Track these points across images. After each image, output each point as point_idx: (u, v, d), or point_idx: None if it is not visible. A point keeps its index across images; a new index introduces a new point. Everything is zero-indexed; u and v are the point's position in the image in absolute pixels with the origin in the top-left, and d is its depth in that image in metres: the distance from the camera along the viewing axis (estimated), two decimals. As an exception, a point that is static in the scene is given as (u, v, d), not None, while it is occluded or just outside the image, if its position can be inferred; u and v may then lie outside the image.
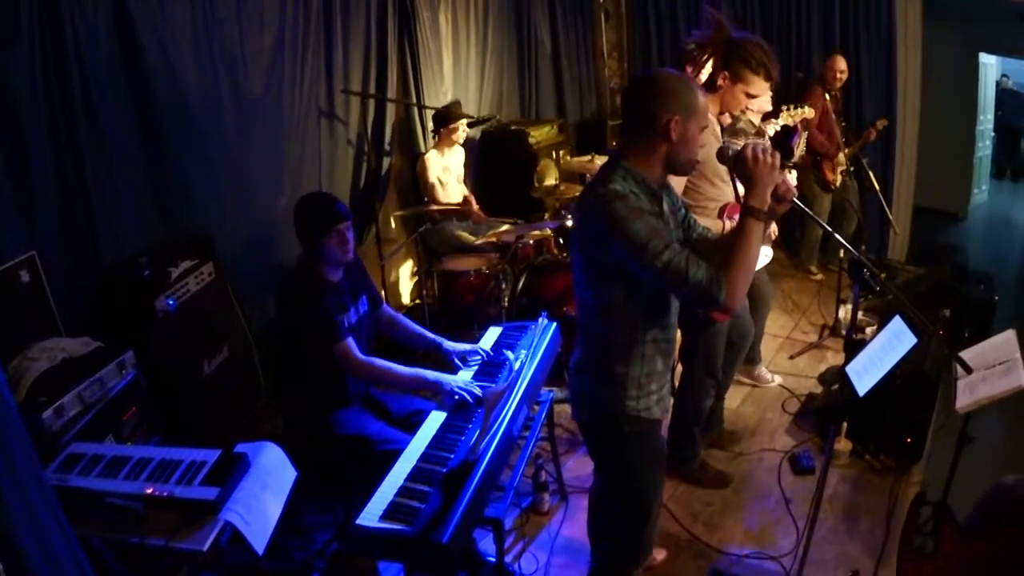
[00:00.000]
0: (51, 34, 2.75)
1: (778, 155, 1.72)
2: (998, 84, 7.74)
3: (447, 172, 4.53)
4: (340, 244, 2.46)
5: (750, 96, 2.58)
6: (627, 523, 2.12)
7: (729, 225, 2.73)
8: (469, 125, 4.62)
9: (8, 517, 1.31)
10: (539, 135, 5.30)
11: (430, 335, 2.79)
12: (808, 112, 3.70)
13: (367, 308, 2.73)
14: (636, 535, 2.14)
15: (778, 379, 3.86)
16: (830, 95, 4.85)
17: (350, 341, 2.44)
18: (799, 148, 4.41)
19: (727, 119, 2.78)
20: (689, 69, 2.63)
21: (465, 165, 4.73)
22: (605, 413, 1.92)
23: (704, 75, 2.66)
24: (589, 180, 1.87)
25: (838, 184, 5.00)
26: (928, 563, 2.06)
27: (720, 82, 2.56)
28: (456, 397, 2.41)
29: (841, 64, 4.82)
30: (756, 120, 2.81)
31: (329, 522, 2.84)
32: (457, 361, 2.69)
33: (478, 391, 2.43)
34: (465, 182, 4.75)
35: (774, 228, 3.25)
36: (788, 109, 3.55)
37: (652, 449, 2.03)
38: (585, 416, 2.01)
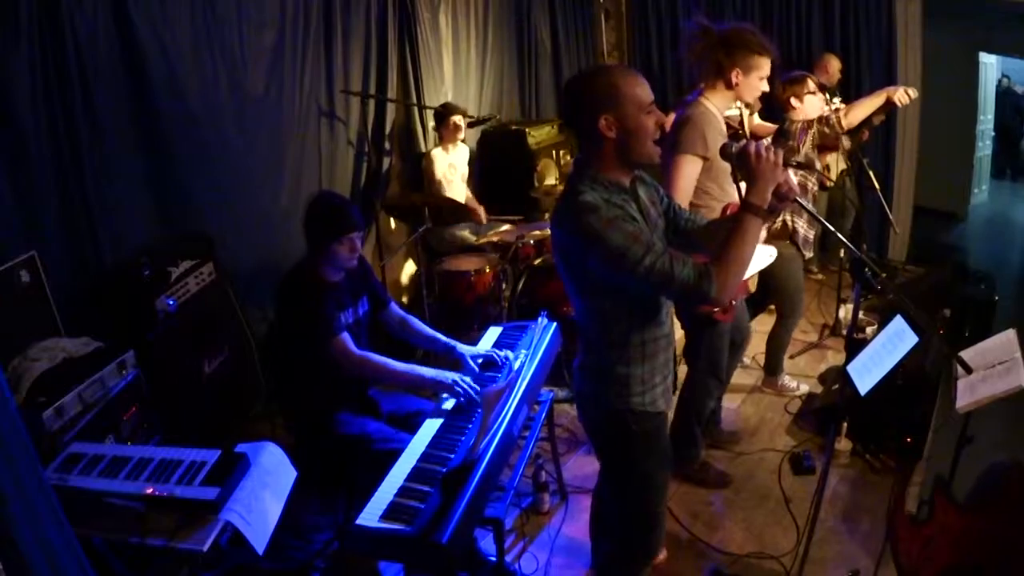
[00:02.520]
0: (51, 34, 2.76)
1: (780, 153, 1.71)
2: (999, 84, 7.73)
3: (452, 169, 4.54)
4: (349, 251, 2.44)
5: (761, 79, 2.63)
6: (635, 523, 2.10)
7: None
8: (469, 125, 4.62)
9: (8, 517, 1.31)
10: (539, 135, 5.30)
11: (443, 338, 2.73)
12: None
13: (367, 309, 2.71)
14: (644, 535, 2.13)
15: (805, 387, 3.79)
16: (828, 94, 4.85)
17: (346, 336, 2.42)
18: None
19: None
20: (701, 84, 2.67)
21: (469, 163, 4.73)
22: (611, 412, 1.91)
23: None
24: (560, 193, 1.85)
25: (834, 182, 4.99)
26: (923, 528, 2.07)
27: (735, 80, 2.59)
28: (458, 389, 2.39)
29: (836, 63, 4.84)
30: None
31: (329, 522, 2.85)
32: (472, 364, 2.64)
33: (475, 388, 2.42)
34: (468, 182, 4.76)
35: (810, 236, 3.28)
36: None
37: (658, 447, 2.02)
38: (591, 416, 2.00)
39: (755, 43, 2.55)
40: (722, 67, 2.58)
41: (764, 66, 2.59)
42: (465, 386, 2.40)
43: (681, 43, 2.70)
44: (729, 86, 2.60)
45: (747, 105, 2.77)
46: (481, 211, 4.62)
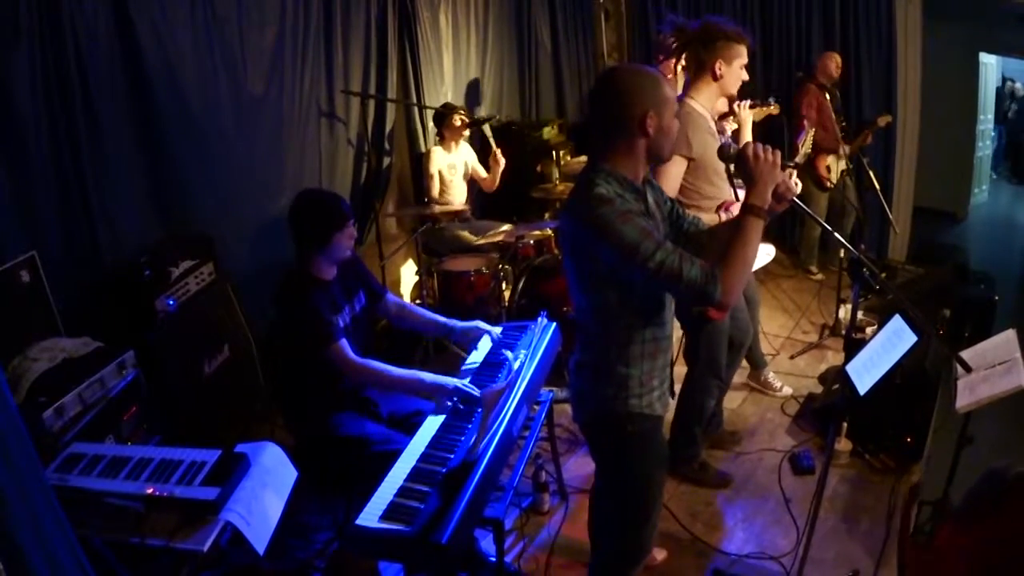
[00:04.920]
0: (51, 34, 2.75)
1: (779, 153, 1.72)
2: (1009, 90, 7.70)
3: (452, 170, 4.54)
4: (349, 239, 2.52)
5: (743, 67, 2.65)
6: (627, 523, 2.11)
7: (725, 218, 2.73)
8: (469, 125, 4.62)
9: (8, 517, 1.31)
10: (539, 135, 5.30)
11: (441, 319, 2.76)
12: (774, 109, 3.71)
13: (364, 303, 2.72)
14: (636, 535, 2.13)
15: (788, 389, 3.78)
16: (828, 93, 4.86)
17: (344, 343, 2.43)
18: (804, 147, 4.41)
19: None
20: (673, 71, 2.68)
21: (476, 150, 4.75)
22: (607, 412, 1.92)
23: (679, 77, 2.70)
24: (573, 187, 1.86)
25: (834, 183, 4.99)
26: (928, 552, 2.07)
27: (719, 71, 2.60)
28: (462, 392, 2.39)
29: (836, 59, 4.85)
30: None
31: (329, 522, 2.85)
32: (461, 347, 2.67)
33: (476, 392, 2.42)
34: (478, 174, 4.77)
35: None
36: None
37: (654, 449, 2.02)
38: (587, 416, 2.00)
39: (731, 32, 2.58)
40: (704, 61, 2.60)
41: (744, 53, 2.62)
42: (465, 391, 2.40)
43: (658, 47, 2.72)
44: (715, 78, 2.62)
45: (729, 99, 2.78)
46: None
